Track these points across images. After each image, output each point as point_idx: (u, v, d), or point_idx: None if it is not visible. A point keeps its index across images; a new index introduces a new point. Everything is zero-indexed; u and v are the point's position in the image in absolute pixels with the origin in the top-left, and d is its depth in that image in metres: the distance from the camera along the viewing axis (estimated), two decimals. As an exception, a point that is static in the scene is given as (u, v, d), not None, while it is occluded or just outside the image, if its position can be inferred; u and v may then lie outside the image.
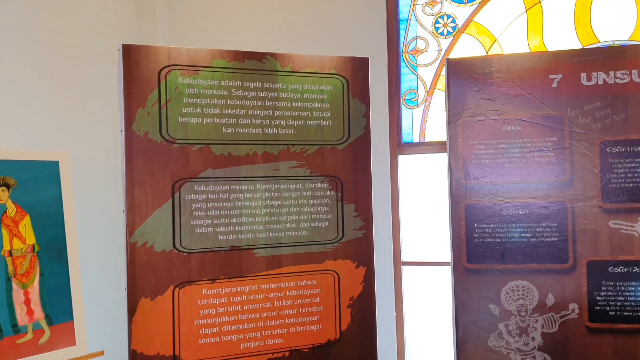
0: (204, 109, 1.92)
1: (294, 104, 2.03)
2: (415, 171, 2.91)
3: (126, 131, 1.84)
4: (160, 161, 1.85)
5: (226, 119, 1.94)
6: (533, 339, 2.08)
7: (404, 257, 2.82)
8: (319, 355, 1.99)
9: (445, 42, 2.86)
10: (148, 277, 1.81)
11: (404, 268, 2.81)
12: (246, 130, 1.96)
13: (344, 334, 2.03)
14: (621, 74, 2.03)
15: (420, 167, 2.88)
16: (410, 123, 2.88)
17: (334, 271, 2.04)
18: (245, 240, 1.93)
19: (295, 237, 1.99)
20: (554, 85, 2.08)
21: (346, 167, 2.09)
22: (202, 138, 1.90)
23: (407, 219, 2.89)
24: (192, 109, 1.91)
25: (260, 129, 1.98)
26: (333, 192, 2.05)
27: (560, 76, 2.07)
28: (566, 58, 2.07)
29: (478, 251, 2.13)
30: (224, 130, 1.93)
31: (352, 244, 2.07)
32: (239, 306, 1.91)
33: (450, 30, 2.84)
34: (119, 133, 1.87)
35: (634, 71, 2.02)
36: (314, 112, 2.05)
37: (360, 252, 2.08)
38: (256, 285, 1.94)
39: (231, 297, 1.90)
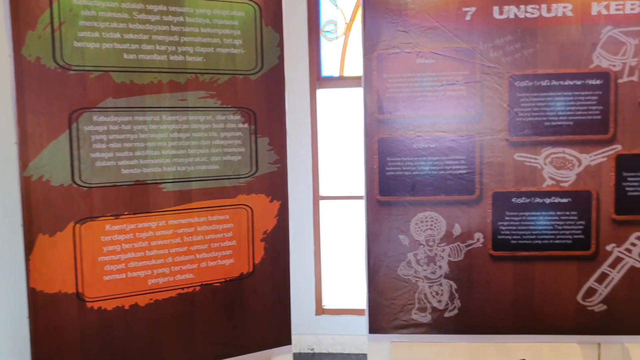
0: (103, 33, 1.79)
1: (202, 30, 1.92)
2: (335, 105, 2.89)
3: (15, 56, 1.69)
4: (55, 89, 1.72)
5: (127, 45, 1.82)
6: (440, 267, 2.17)
7: (323, 191, 2.83)
8: (231, 288, 2.00)
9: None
10: (46, 212, 1.72)
11: (322, 202, 2.83)
12: (150, 57, 1.85)
13: (257, 267, 2.04)
14: (532, 8, 2.06)
15: (340, 102, 2.86)
16: (331, 56, 2.83)
17: (247, 205, 2.02)
18: (151, 174, 1.86)
19: (205, 172, 1.94)
20: (468, 18, 2.08)
21: (260, 99, 2.03)
22: (101, 65, 1.77)
23: (326, 154, 2.89)
24: (89, 32, 1.77)
25: (165, 56, 1.87)
26: (246, 125, 2.00)
27: (474, 9, 2.07)
28: (480, -10, 2.07)
29: (390, 184, 2.16)
30: (125, 56, 1.81)
31: (266, 178, 2.05)
32: (146, 242, 1.86)
33: (371, -41, 2.75)
34: (7, 58, 1.71)
35: (544, 6, 2.05)
36: (225, 40, 1.96)
37: (274, 186, 2.06)
38: (164, 221, 1.88)
39: (137, 233, 1.85)
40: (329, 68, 2.80)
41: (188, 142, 1.92)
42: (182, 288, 1.94)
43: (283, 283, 2.11)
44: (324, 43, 2.77)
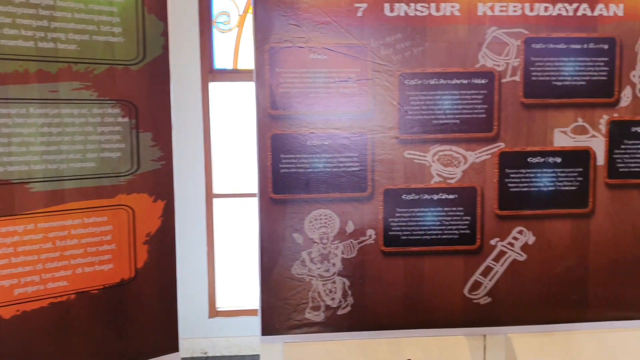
0: (-45, 13, 1.58)
1: (75, 15, 1.76)
2: (230, 99, 2.79)
3: None
4: None
5: (-15, 28, 1.62)
6: (334, 264, 2.15)
7: (216, 189, 2.73)
8: (111, 295, 1.86)
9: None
10: None
11: (216, 200, 2.72)
12: (14, 42, 1.67)
13: (139, 271, 1.91)
14: (421, 6, 2.08)
15: (235, 96, 2.77)
16: (224, 48, 2.72)
17: (128, 206, 1.88)
18: (16, 172, 1.68)
19: (80, 170, 1.79)
20: (359, 14, 2.07)
21: (142, 91, 1.90)
22: (-47, 50, 1.57)
23: (221, 150, 2.79)
24: (-62, 12, 1.56)
25: (32, 42, 1.69)
26: (126, 119, 1.86)
27: (365, 5, 2.06)
28: (371, -13, 2.06)
29: (283, 181, 2.11)
30: (-18, 41, 1.61)
31: (149, 176, 1.92)
32: (11, 248, 1.68)
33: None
34: None
35: (433, 4, 2.08)
36: (102, 26, 1.81)
37: (159, 184, 1.94)
38: (33, 224, 1.71)
39: (0, 239, 1.66)
40: (222, 61, 2.70)
41: (60, 137, 1.76)
42: (55, 297, 1.78)
43: (169, 287, 2.00)
44: (216, 35, 2.66)
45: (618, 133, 2.20)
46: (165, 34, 1.93)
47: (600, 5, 2.15)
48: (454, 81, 2.13)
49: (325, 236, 2.16)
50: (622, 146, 2.21)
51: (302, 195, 2.14)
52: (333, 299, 2.19)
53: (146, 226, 1.93)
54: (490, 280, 2.23)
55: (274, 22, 2.07)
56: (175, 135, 2.62)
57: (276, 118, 2.10)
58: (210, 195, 2.73)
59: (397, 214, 2.17)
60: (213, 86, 2.66)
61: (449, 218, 2.19)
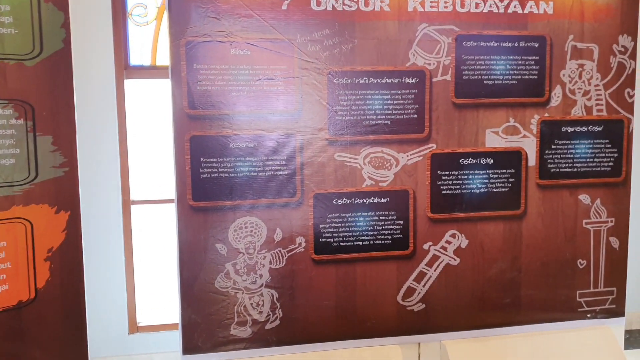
0: None
1: (-45, 3, 1.53)
2: (147, 98, 2.58)
3: None
4: None
5: None
6: (261, 276, 2.01)
7: (134, 195, 2.53)
8: (8, 319, 1.64)
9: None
10: None
11: (134, 208, 2.52)
12: None
13: (40, 292, 1.70)
14: (349, 0, 1.97)
15: (153, 94, 2.56)
16: (141, 43, 2.52)
17: (25, 219, 1.67)
18: None
19: (-35, 178, 1.56)
20: (284, 7, 1.93)
21: (39, 90, 1.69)
22: None
23: (139, 153, 2.58)
24: None
25: None
26: (21, 121, 1.65)
27: (291, -2, 1.93)
28: (297, -22, 1.93)
29: (204, 187, 1.95)
30: None
31: (50, 185, 1.71)
32: None
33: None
34: None
35: (361, -1, 1.97)
36: (-12, 16, 1.58)
37: (61, 194, 1.74)
38: None
39: None
40: (138, 56, 2.49)
41: (-62, 142, 1.52)
42: None
43: (76, 307, 1.80)
44: (132, 28, 2.45)
45: (549, 133, 2.18)
46: (66, 25, 1.73)
47: (530, 3, 2.11)
48: (385, 80, 2.03)
49: (251, 246, 2.02)
50: (553, 146, 2.18)
51: (225, 202, 1.98)
52: (260, 312, 2.05)
53: (47, 241, 1.72)
54: (423, 286, 2.15)
55: (191, 14, 1.90)
56: (85, 138, 2.40)
57: (195, 118, 1.93)
58: (127, 202, 2.52)
59: (328, 220, 2.06)
60: (129, 84, 2.45)
61: (382, 223, 2.10)
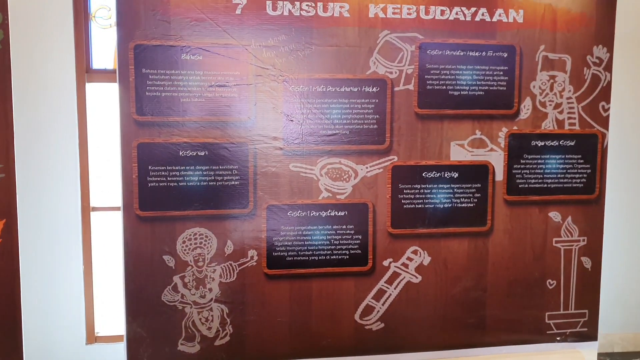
0: None
1: None
2: (111, 103, 2.51)
3: None
4: None
5: None
6: (210, 290, 1.93)
7: (94, 202, 2.45)
8: None
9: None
10: None
11: (94, 214, 2.45)
12: None
13: (-31, 303, 1.63)
14: (307, 5, 1.90)
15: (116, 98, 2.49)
16: (104, 46, 2.45)
17: (-45, 225, 1.60)
18: None
19: None
20: (238, 12, 1.86)
21: (-25, 93, 1.62)
22: None
23: (101, 159, 2.52)
24: None
25: None
26: (-47, 124, 1.58)
27: (244, 2, 1.86)
28: (251, -18, 1.86)
29: (152, 197, 1.88)
30: None
31: (-16, 191, 1.64)
32: None
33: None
34: None
35: (320, 4, 1.89)
36: None
37: (-4, 200, 1.66)
38: None
39: None
40: (101, 60, 2.43)
41: None
42: None
43: (11, 316, 1.72)
44: (95, 31, 2.38)
45: (517, 147, 2.08)
46: (4, 26, 1.66)
47: (499, 11, 2.02)
48: (343, 89, 1.95)
49: (200, 258, 1.94)
50: (522, 161, 2.09)
51: (174, 212, 1.91)
52: (209, 328, 1.97)
53: (-22, 250, 1.65)
54: (383, 305, 2.06)
55: (140, 17, 1.83)
56: (44, 142, 2.34)
57: (143, 125, 1.86)
58: (87, 209, 2.45)
59: (282, 233, 1.97)
60: (91, 87, 2.38)
61: (339, 237, 2.01)
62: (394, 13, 1.96)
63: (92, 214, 2.45)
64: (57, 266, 2.39)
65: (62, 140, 2.34)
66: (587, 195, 2.15)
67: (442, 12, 1.99)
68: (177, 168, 1.90)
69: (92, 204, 2.45)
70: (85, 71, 2.38)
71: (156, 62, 1.85)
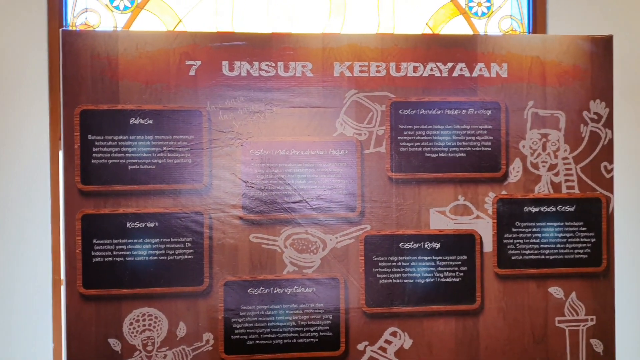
0: None
1: None
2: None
3: None
4: None
5: None
6: (160, 378, 1.70)
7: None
8: None
9: (122, 18, 2.41)
10: None
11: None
12: None
13: None
14: (266, 65, 1.75)
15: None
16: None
17: None
18: None
19: None
20: (192, 73, 1.74)
21: None
22: None
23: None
24: None
25: None
26: None
27: (199, 63, 1.74)
28: (206, 41, 1.75)
29: (97, 273, 1.72)
30: None
31: None
32: None
33: (128, 4, 2.39)
34: None
35: (280, 63, 1.75)
36: None
37: None
38: None
39: None
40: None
41: None
42: None
43: None
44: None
45: (508, 214, 1.85)
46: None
47: (479, 65, 1.84)
48: (308, 152, 1.78)
49: (149, 342, 1.74)
50: (514, 229, 1.85)
51: (120, 290, 1.73)
52: (157, 422, 1.73)
53: None
54: (358, 396, 1.79)
55: (87, 81, 1.73)
56: (13, 209, 2.23)
57: (88, 195, 1.72)
58: (58, 282, 2.30)
59: (242, 313, 1.76)
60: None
61: (306, 317, 1.79)
62: (361, 71, 1.80)
63: (63, 288, 2.29)
64: (27, 344, 2.22)
65: (33, 208, 2.23)
66: (592, 267, 1.88)
67: (415, 69, 1.82)
68: (124, 241, 1.73)
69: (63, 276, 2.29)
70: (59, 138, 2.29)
71: (103, 128, 1.73)
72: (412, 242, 1.83)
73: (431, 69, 1.85)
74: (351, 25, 2.56)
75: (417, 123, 1.83)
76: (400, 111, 1.83)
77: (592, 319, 1.88)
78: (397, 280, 1.83)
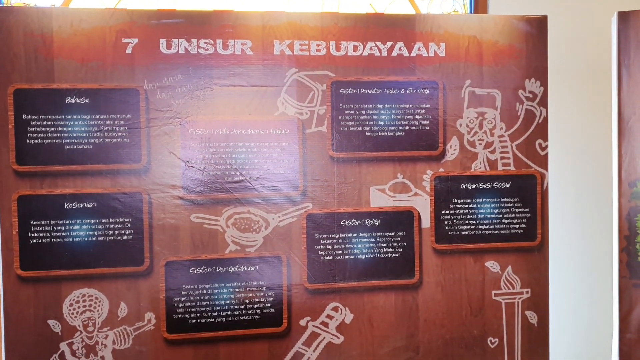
0: None
1: None
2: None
3: None
4: None
5: None
6: (102, 358, 1.72)
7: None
8: None
9: (61, -5, 2.33)
10: None
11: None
12: None
13: None
14: (205, 42, 1.74)
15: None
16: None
17: None
18: None
19: None
20: (129, 51, 1.71)
21: None
22: None
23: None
24: None
25: None
26: None
27: (136, 40, 1.71)
28: (143, 19, 1.72)
29: (35, 255, 1.70)
30: None
31: None
32: None
33: (68, -19, 2.32)
34: None
35: (219, 41, 1.74)
36: None
37: None
38: None
39: None
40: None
41: None
42: None
43: None
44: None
45: (445, 190, 1.89)
46: None
47: (418, 44, 1.87)
48: (249, 131, 1.78)
49: (90, 322, 1.73)
50: (451, 206, 1.89)
51: (59, 271, 1.71)
52: (99, 402, 1.73)
53: None
54: (300, 370, 1.82)
55: (20, 60, 1.68)
56: None
57: (24, 175, 1.69)
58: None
59: (184, 292, 1.77)
60: None
61: (249, 295, 1.80)
62: (301, 50, 1.81)
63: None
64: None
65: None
66: (527, 242, 1.94)
67: (355, 48, 1.83)
68: (62, 222, 1.71)
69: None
70: None
71: (38, 107, 1.69)
72: (352, 220, 1.86)
73: (370, 48, 1.86)
74: (296, 3, 2.55)
75: (357, 102, 1.85)
76: (341, 90, 1.84)
77: (527, 292, 1.96)
78: (339, 257, 1.86)
